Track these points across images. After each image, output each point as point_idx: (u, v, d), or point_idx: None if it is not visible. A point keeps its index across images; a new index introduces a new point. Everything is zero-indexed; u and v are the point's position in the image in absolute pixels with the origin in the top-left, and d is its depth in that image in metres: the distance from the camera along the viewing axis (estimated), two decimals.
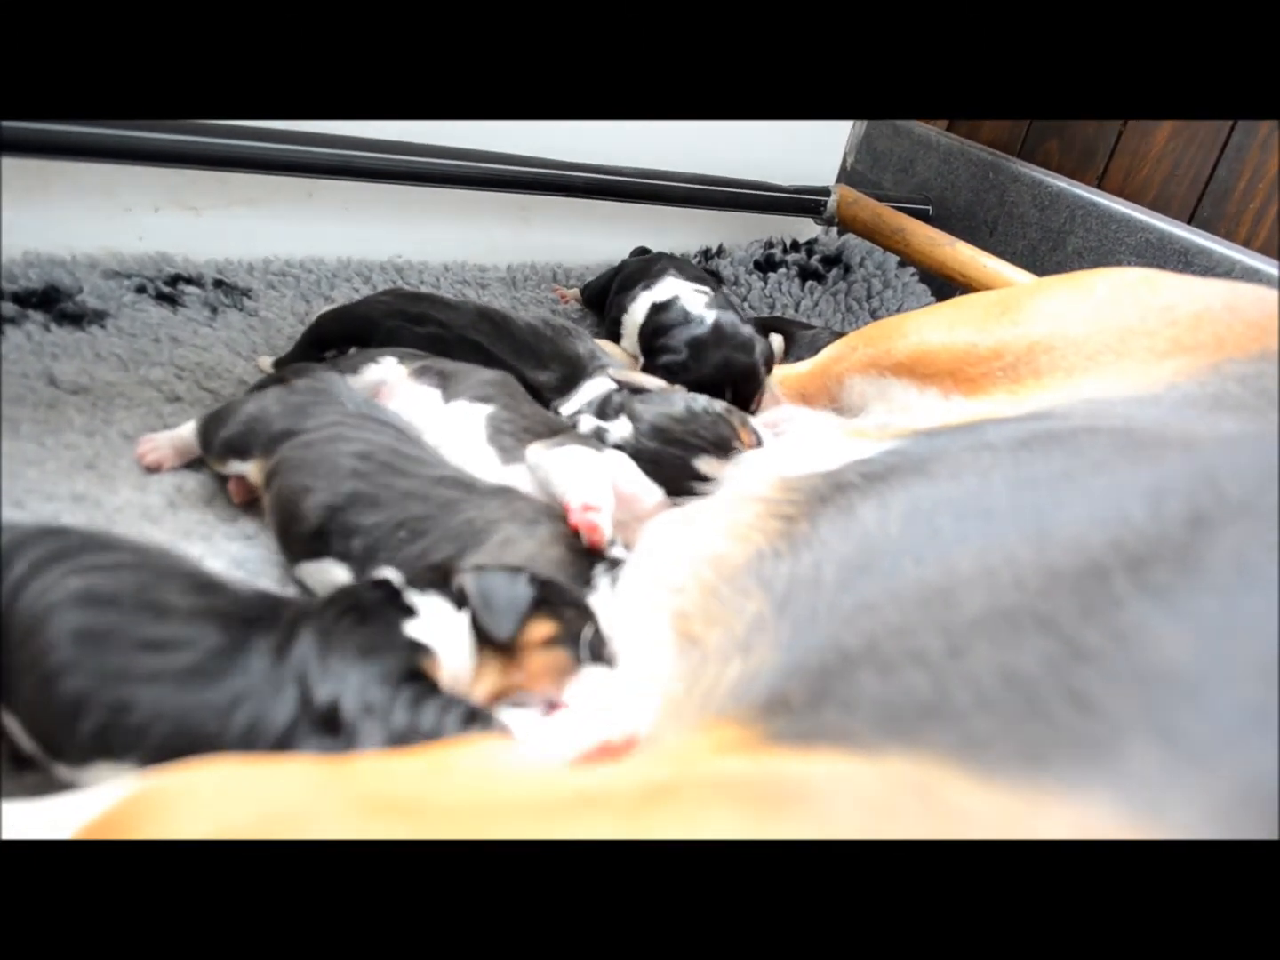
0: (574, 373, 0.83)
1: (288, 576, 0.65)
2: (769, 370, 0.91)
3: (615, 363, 0.86)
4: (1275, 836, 0.22)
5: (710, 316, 0.90)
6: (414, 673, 0.46)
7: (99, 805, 0.35)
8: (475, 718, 0.45)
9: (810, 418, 0.78)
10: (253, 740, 0.43)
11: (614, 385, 0.79)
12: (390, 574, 0.52)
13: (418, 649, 0.47)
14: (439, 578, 0.52)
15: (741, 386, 0.86)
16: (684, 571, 0.48)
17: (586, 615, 0.51)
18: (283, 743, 0.43)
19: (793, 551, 0.43)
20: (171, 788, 0.34)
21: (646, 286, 1.00)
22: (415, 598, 0.50)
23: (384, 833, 0.29)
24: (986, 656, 0.29)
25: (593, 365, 0.83)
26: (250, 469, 0.66)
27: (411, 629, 0.48)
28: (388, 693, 0.44)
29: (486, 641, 0.49)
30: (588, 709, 0.43)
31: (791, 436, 0.73)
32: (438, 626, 0.49)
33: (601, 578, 0.58)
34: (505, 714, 0.48)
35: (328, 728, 0.43)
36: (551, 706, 0.50)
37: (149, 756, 0.42)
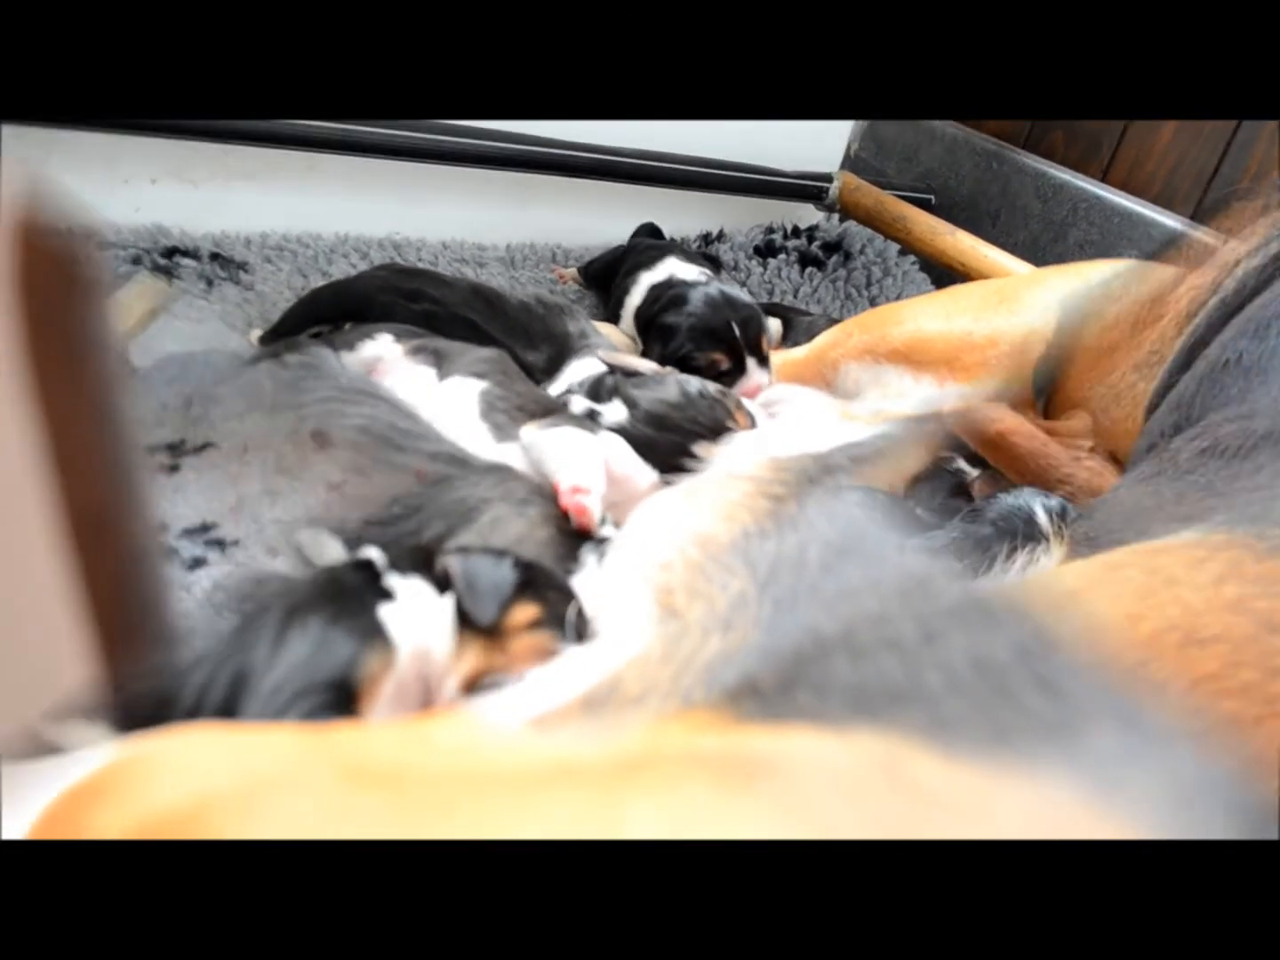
0: (561, 352, 0.82)
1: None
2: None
3: (606, 343, 0.85)
4: (1232, 816, 0.23)
5: (708, 284, 0.92)
6: (339, 682, 0.45)
7: (80, 771, 0.36)
8: None
9: (806, 397, 0.78)
10: (200, 706, 0.43)
11: (604, 367, 0.78)
12: (374, 554, 0.52)
13: (374, 642, 0.46)
14: (422, 559, 0.52)
15: (745, 328, 0.87)
16: (671, 548, 0.48)
17: (569, 597, 0.51)
18: (226, 709, 0.43)
19: (779, 531, 0.43)
20: (153, 753, 0.34)
21: (648, 269, 1.01)
22: (396, 580, 0.50)
23: (364, 801, 0.29)
24: (959, 644, 0.29)
25: (580, 344, 0.82)
26: None
27: (385, 613, 0.48)
28: (301, 683, 0.44)
29: (469, 624, 0.50)
30: (549, 671, 0.43)
31: (786, 417, 0.73)
32: (414, 613, 0.49)
33: (589, 555, 0.58)
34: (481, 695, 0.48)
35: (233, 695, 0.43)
36: None
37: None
